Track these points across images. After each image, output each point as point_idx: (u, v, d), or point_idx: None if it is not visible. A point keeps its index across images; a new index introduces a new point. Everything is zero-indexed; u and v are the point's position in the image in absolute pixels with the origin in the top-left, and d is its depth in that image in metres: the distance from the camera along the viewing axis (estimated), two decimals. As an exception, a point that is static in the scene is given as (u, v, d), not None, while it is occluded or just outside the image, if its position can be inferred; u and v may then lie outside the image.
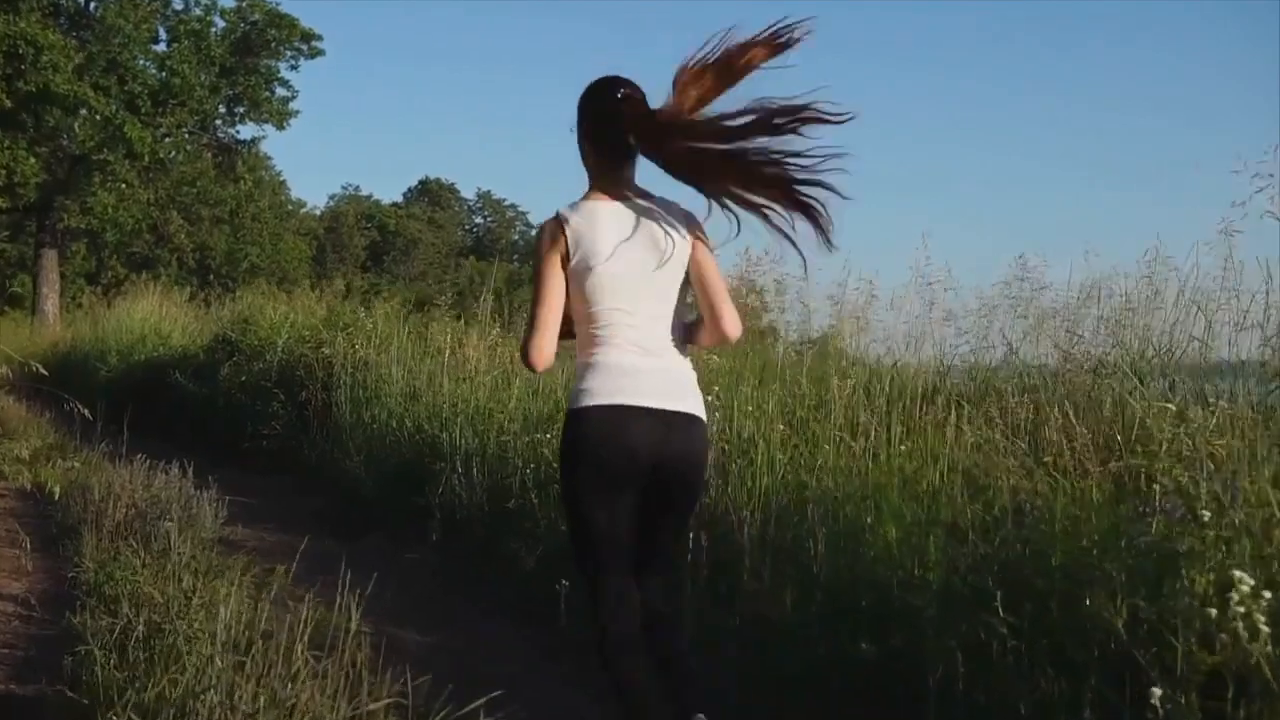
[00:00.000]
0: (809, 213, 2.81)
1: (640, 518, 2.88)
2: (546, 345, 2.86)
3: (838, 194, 2.78)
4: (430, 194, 63.13)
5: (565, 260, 2.87)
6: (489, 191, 66.62)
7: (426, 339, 8.73)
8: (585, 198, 2.95)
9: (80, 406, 6.27)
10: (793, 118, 2.75)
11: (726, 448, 4.40)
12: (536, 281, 2.89)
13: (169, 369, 12.46)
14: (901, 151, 72.90)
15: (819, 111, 2.75)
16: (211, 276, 32.79)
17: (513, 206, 65.43)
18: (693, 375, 2.97)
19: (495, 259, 33.17)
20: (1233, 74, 73.43)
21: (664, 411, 2.83)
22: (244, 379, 10.44)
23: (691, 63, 2.80)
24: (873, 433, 4.00)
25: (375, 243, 56.73)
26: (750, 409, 4.48)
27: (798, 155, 2.79)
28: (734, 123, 2.80)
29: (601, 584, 2.87)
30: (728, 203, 2.84)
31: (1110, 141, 72.18)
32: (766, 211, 2.84)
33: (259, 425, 9.49)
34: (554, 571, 4.56)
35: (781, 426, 4.25)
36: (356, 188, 60.98)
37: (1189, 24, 73.69)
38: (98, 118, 25.58)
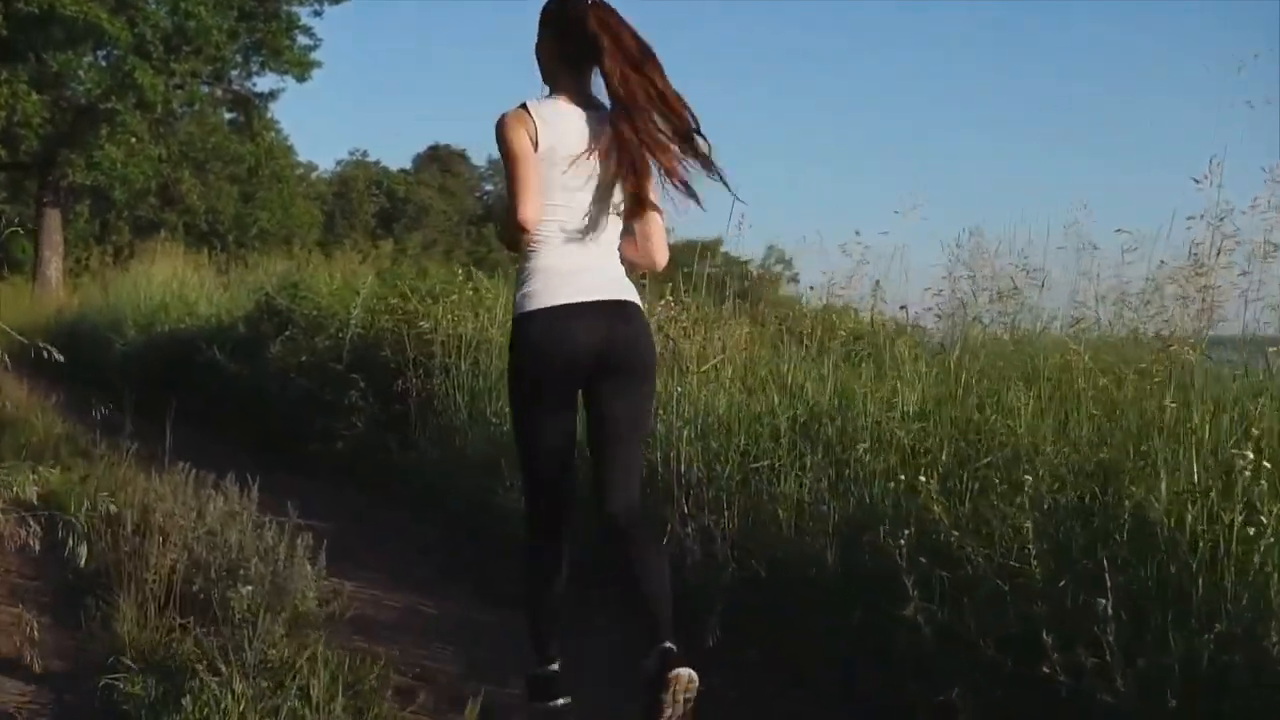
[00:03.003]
0: (705, 160, 3.01)
1: (598, 421, 3.01)
2: (534, 205, 2.91)
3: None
4: (440, 160, 61.04)
5: (534, 146, 2.92)
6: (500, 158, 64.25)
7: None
8: (550, 96, 3.02)
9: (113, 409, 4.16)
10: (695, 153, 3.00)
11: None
12: (512, 157, 2.91)
13: (200, 343, 10.26)
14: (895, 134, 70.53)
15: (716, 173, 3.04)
16: (231, 239, 30.47)
17: (525, 177, 63.01)
18: (625, 272, 3.08)
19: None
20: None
21: (603, 303, 2.96)
22: (303, 359, 8.25)
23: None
24: None
25: (384, 209, 54.90)
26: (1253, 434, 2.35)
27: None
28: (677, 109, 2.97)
29: (540, 501, 3.03)
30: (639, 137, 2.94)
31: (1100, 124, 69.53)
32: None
33: (331, 420, 7.32)
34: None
35: None
36: (364, 153, 58.62)
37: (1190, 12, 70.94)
38: (104, 64, 23.29)
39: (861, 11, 72.94)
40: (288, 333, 8.83)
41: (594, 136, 2.94)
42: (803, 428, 4.17)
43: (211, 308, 12.14)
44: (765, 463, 4.12)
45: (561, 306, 2.91)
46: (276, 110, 32.06)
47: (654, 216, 3.07)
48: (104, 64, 23.20)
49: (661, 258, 3.14)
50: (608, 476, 2.99)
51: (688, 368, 4.66)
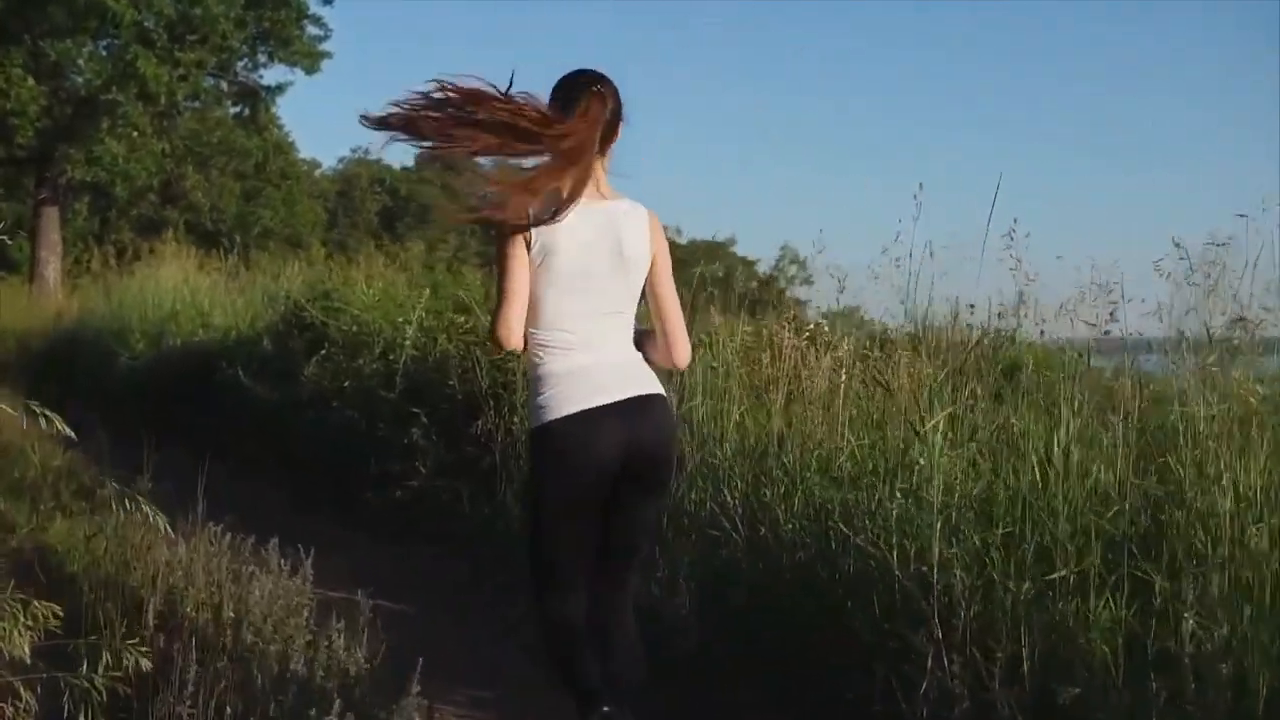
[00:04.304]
0: None
1: (616, 513, 2.84)
2: (515, 322, 2.81)
3: None
4: (443, 159, 59.83)
5: (527, 248, 2.80)
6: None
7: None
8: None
9: (149, 508, 2.96)
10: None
11: None
12: (501, 263, 2.83)
13: (218, 359, 9.06)
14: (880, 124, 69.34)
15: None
16: (227, 241, 29.21)
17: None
18: (644, 361, 2.91)
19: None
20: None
21: (625, 401, 2.80)
22: (345, 385, 7.03)
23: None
24: None
25: (387, 208, 53.82)
26: None
27: None
28: None
29: (554, 592, 2.87)
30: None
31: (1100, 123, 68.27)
32: None
33: (387, 463, 6.10)
34: None
35: None
36: (366, 150, 57.32)
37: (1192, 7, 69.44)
38: (105, 53, 22.04)
39: (864, 11, 71.86)
40: (325, 351, 7.61)
41: (596, 230, 2.82)
42: (1126, 523, 2.95)
43: (227, 317, 10.90)
44: (1063, 573, 2.91)
45: (583, 413, 2.75)
46: (278, 106, 30.79)
47: (669, 309, 2.93)
48: (105, 53, 21.94)
49: (682, 357, 2.97)
50: (613, 576, 2.90)
51: (919, 425, 3.44)
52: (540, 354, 2.82)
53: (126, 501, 3.02)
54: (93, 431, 9.14)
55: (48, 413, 2.46)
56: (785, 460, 3.82)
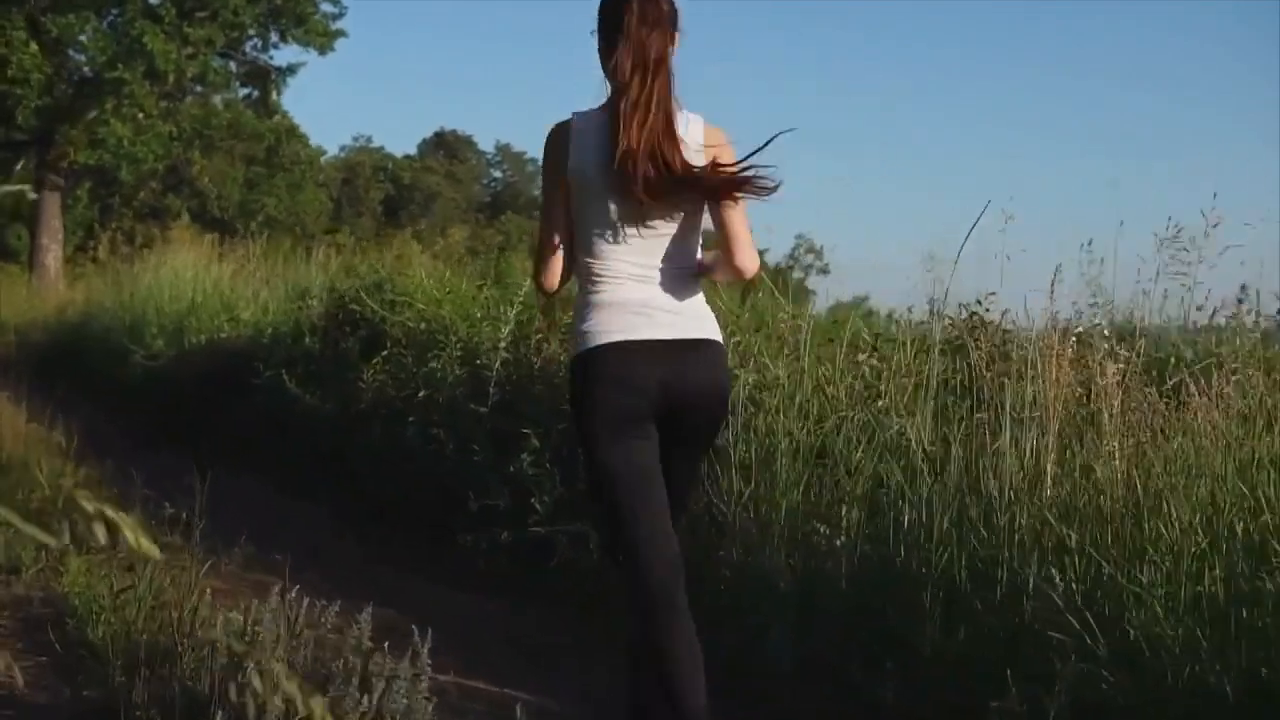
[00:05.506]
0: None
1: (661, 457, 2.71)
2: (555, 264, 2.73)
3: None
4: (446, 146, 58.86)
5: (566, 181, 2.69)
6: (508, 144, 62.00)
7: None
8: (600, 106, 2.71)
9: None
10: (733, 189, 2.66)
11: None
12: (544, 194, 2.76)
13: (251, 360, 7.83)
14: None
15: (756, 186, 2.64)
16: (242, 229, 28.07)
17: (533, 161, 60.74)
18: (704, 303, 2.76)
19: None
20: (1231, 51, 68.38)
21: (675, 341, 2.65)
22: (419, 395, 5.81)
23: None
24: None
25: (390, 196, 52.95)
26: None
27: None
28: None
29: (629, 535, 2.64)
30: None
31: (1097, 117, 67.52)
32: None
33: (486, 496, 4.88)
34: None
35: None
36: (369, 139, 56.30)
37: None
38: (109, 29, 20.84)
39: (873, 7, 71.08)
40: (389, 353, 6.39)
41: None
42: None
43: (255, 312, 9.66)
44: None
45: (627, 343, 2.61)
46: (287, 87, 29.58)
47: (729, 216, 2.70)
48: (109, 29, 20.73)
49: (749, 264, 2.75)
50: None
51: None
52: (591, 278, 2.67)
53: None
54: (108, 439, 8.00)
55: (126, 521, 1.29)
56: (1162, 528, 2.60)
